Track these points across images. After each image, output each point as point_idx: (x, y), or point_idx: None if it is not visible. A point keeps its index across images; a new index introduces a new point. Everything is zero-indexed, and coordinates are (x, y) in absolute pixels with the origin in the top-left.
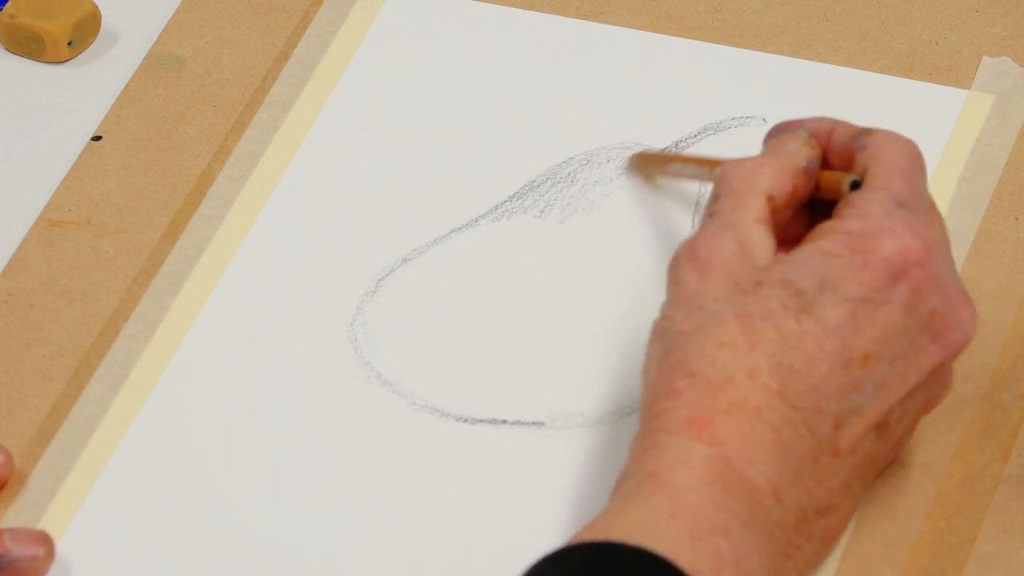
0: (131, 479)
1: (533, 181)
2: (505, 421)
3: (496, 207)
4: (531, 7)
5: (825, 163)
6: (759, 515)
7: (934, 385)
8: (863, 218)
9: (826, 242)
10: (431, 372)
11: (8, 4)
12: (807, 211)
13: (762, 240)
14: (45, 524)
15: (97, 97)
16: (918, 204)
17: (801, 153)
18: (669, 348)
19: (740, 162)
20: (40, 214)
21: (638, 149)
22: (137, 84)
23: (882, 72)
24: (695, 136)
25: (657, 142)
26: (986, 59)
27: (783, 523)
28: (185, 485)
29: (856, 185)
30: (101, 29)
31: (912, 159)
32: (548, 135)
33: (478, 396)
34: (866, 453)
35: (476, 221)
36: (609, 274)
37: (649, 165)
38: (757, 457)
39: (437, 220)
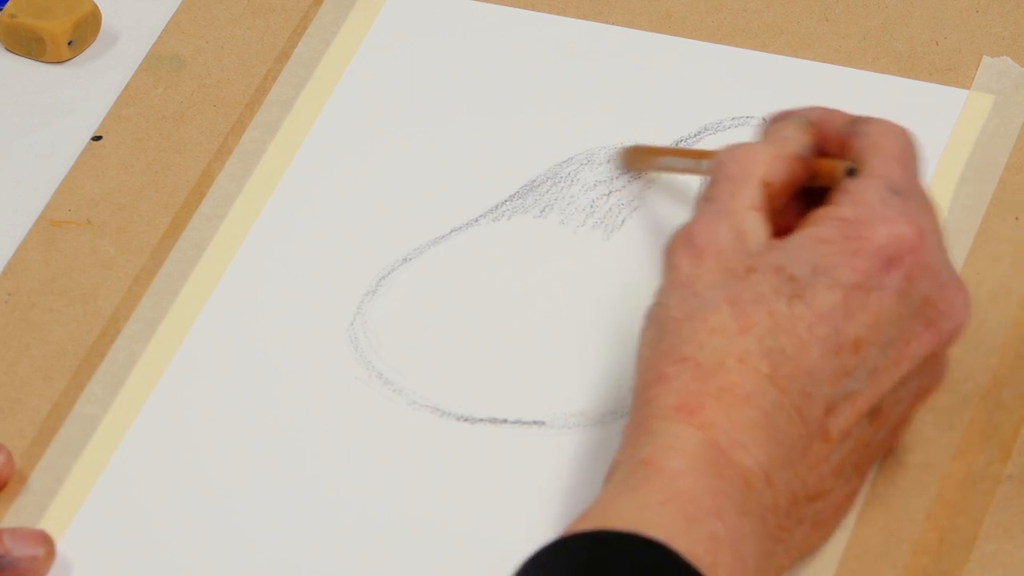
0: (131, 479)
1: (533, 181)
2: (505, 420)
3: (496, 207)
4: (531, 7)
5: (821, 151)
6: (751, 499)
7: (928, 373)
8: (857, 205)
9: (820, 228)
10: (432, 371)
11: (8, 4)
12: (802, 199)
13: (757, 226)
14: (45, 524)
15: (97, 97)
16: (913, 191)
17: (797, 140)
18: (661, 334)
19: (736, 148)
20: (40, 214)
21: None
22: (137, 84)
23: (882, 72)
24: (695, 136)
25: (657, 142)
26: (986, 59)
27: (774, 507)
28: (185, 485)
29: (852, 172)
30: (101, 29)
31: (907, 147)
32: (548, 135)
33: (478, 395)
34: (858, 439)
35: (476, 221)
36: (610, 273)
37: (637, 159)
38: (747, 441)
39: (437, 219)
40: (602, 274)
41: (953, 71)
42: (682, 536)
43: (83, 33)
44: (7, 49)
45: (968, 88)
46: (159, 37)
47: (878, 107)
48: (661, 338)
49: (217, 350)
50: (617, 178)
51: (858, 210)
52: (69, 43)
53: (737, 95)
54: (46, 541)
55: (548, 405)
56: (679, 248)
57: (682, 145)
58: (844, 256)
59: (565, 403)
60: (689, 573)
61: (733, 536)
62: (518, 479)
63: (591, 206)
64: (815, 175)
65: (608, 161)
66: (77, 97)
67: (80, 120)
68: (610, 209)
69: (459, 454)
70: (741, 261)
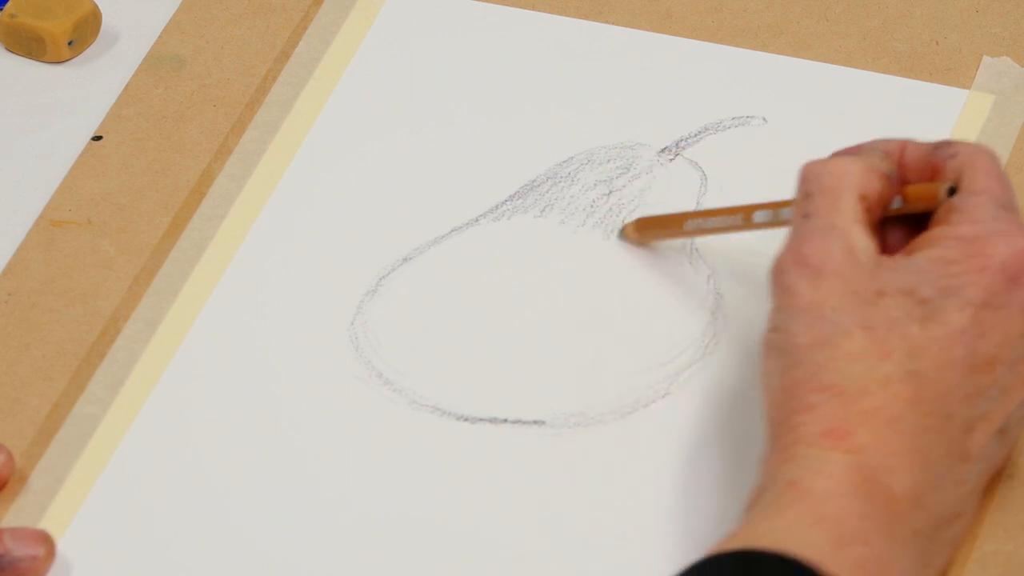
0: (131, 479)
1: (533, 181)
2: (505, 420)
3: (496, 207)
4: (531, 7)
5: (903, 180)
6: (899, 523)
7: None
8: (973, 223)
9: (940, 249)
10: (432, 371)
11: (8, 4)
12: (883, 227)
13: (865, 241)
14: (46, 524)
15: (97, 97)
16: (1015, 205)
17: (883, 162)
18: (792, 362)
19: (827, 162)
20: (40, 214)
21: (638, 215)
22: (137, 84)
23: (882, 72)
24: (695, 136)
25: (657, 142)
26: (986, 59)
27: (920, 531)
28: (185, 485)
29: (952, 192)
30: (101, 29)
31: (998, 163)
32: (548, 135)
33: (478, 395)
34: (990, 459)
35: (476, 220)
36: (610, 273)
37: (654, 229)
38: (895, 465)
39: (437, 219)
40: (602, 274)
41: (953, 71)
42: (830, 559)
43: (83, 33)
44: (7, 49)
45: (968, 88)
46: (159, 37)
47: (878, 107)
48: (793, 366)
49: (217, 350)
50: (618, 178)
51: (976, 227)
52: (69, 43)
53: (737, 95)
54: (46, 541)
55: (548, 405)
56: (791, 270)
57: (682, 145)
58: (970, 275)
59: (565, 403)
60: None
61: (880, 561)
62: (518, 479)
63: (591, 206)
64: (911, 199)
65: (617, 163)
66: (77, 97)
67: (80, 120)
68: (610, 209)
69: (459, 454)
70: (865, 283)
